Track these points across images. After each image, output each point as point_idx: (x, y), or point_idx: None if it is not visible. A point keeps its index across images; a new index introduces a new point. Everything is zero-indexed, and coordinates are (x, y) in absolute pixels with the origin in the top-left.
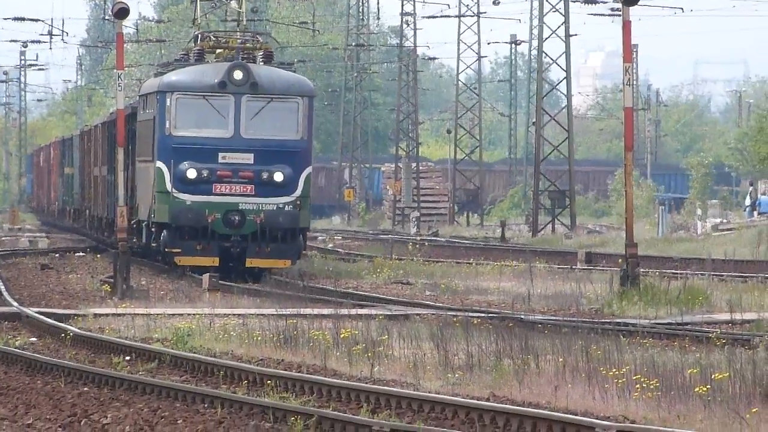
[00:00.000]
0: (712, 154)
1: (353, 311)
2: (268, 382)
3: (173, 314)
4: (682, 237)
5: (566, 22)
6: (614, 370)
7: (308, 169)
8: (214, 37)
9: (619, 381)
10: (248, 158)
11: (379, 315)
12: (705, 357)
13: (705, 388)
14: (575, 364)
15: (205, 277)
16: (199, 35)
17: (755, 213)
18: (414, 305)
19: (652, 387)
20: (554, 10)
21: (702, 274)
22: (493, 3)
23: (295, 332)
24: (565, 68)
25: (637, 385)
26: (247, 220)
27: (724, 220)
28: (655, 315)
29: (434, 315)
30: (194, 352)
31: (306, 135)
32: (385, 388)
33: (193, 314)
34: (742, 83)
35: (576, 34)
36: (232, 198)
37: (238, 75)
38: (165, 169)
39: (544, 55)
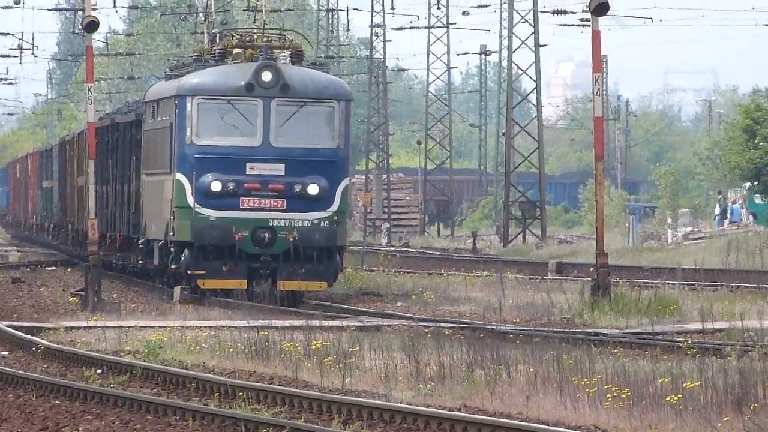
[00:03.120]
0: (682, 164)
1: (324, 323)
2: (240, 393)
3: (144, 327)
4: (652, 246)
5: (536, 32)
6: (586, 379)
7: (345, 181)
8: (236, 34)
9: (591, 391)
10: (279, 169)
11: (350, 326)
12: (676, 366)
13: (676, 398)
14: (547, 374)
15: (177, 289)
16: (218, 33)
17: (725, 222)
18: (385, 316)
19: (623, 396)
20: (524, 20)
21: (673, 284)
22: (463, 14)
23: (266, 344)
24: (535, 79)
25: (609, 395)
26: (279, 237)
27: (695, 229)
28: (626, 324)
29: (406, 326)
30: (166, 365)
31: (343, 143)
32: (357, 399)
33: (165, 327)
34: (712, 92)
35: (545, 45)
36: (262, 213)
37: (266, 76)
38: (186, 181)
39: (513, 65)
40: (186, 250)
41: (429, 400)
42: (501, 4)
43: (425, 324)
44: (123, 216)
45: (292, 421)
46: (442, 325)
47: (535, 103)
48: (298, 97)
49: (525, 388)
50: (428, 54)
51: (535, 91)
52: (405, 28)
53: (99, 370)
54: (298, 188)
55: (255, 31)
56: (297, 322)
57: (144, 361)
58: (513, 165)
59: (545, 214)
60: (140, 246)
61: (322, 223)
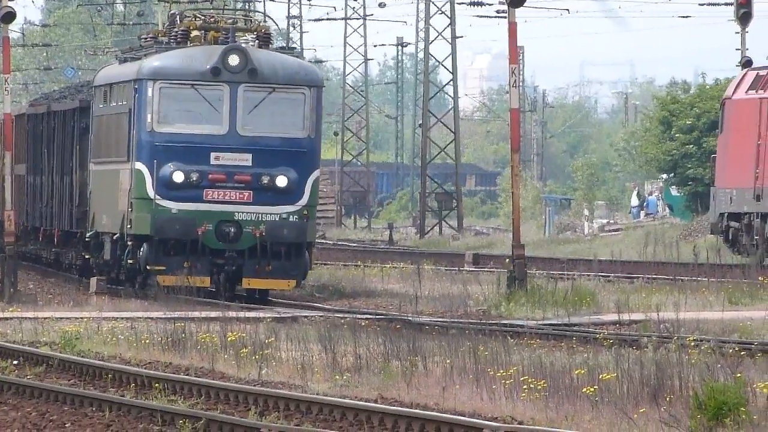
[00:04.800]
0: (598, 156)
1: (241, 314)
2: (156, 385)
3: (61, 318)
4: (569, 238)
5: (452, 24)
6: (502, 371)
7: (316, 173)
8: (200, 15)
9: (507, 382)
10: (246, 159)
11: (266, 317)
12: (592, 357)
13: (592, 389)
14: (463, 366)
15: (93, 280)
16: (178, 14)
17: (642, 213)
18: (302, 307)
19: (539, 388)
20: (440, 12)
21: (589, 275)
22: (379, 5)
23: (183, 335)
24: (451, 70)
25: (525, 386)
26: (244, 232)
27: (611, 221)
28: (543, 316)
29: (322, 317)
30: (82, 356)
31: (313, 132)
32: (273, 390)
33: (81, 318)
34: (628, 84)
35: (462, 36)
36: (227, 206)
37: (233, 60)
38: (146, 171)
39: (430, 57)
40: (145, 244)
41: (345, 391)
42: None
43: (341, 315)
44: (63, 209)
45: (209, 412)
46: (359, 316)
47: (452, 95)
48: (267, 82)
49: (441, 380)
50: (345, 45)
51: (451, 82)
52: (322, 20)
53: (15, 362)
54: (265, 180)
55: (213, 11)
56: (213, 314)
57: (60, 352)
58: (429, 156)
59: (461, 205)
60: (87, 240)
61: (291, 217)
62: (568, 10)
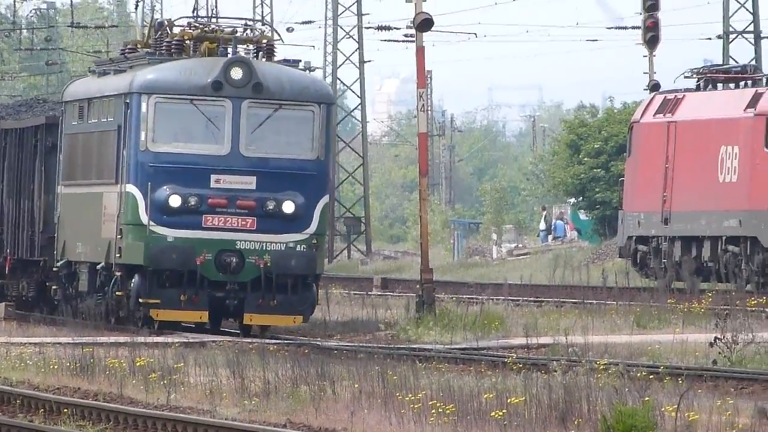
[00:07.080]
0: (506, 179)
1: (150, 339)
2: (65, 410)
3: None
4: (477, 262)
5: (360, 48)
6: (410, 395)
7: (325, 198)
8: (196, 24)
9: (415, 406)
10: (249, 182)
11: (175, 342)
12: (501, 381)
13: (501, 413)
14: (371, 390)
15: (0, 306)
16: (167, 22)
17: (550, 237)
18: (210, 333)
19: (448, 412)
20: (348, 36)
21: (498, 299)
22: (287, 30)
23: (91, 360)
24: (359, 94)
25: (433, 410)
26: (247, 263)
27: (519, 245)
28: (451, 340)
29: (231, 342)
30: None
31: (323, 153)
32: (182, 415)
33: None
34: (536, 108)
35: (370, 61)
36: (228, 234)
37: (236, 73)
38: (138, 194)
39: (338, 81)
40: (136, 275)
41: (254, 416)
42: (326, 20)
43: (250, 340)
44: (20, 235)
45: None
46: (267, 341)
47: (360, 119)
48: (273, 98)
49: (350, 404)
50: None
51: (359, 107)
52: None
53: None
54: (271, 205)
55: (202, 19)
56: (122, 339)
57: None
58: (338, 181)
59: (370, 229)
60: (55, 270)
61: (299, 246)
62: (475, 34)
